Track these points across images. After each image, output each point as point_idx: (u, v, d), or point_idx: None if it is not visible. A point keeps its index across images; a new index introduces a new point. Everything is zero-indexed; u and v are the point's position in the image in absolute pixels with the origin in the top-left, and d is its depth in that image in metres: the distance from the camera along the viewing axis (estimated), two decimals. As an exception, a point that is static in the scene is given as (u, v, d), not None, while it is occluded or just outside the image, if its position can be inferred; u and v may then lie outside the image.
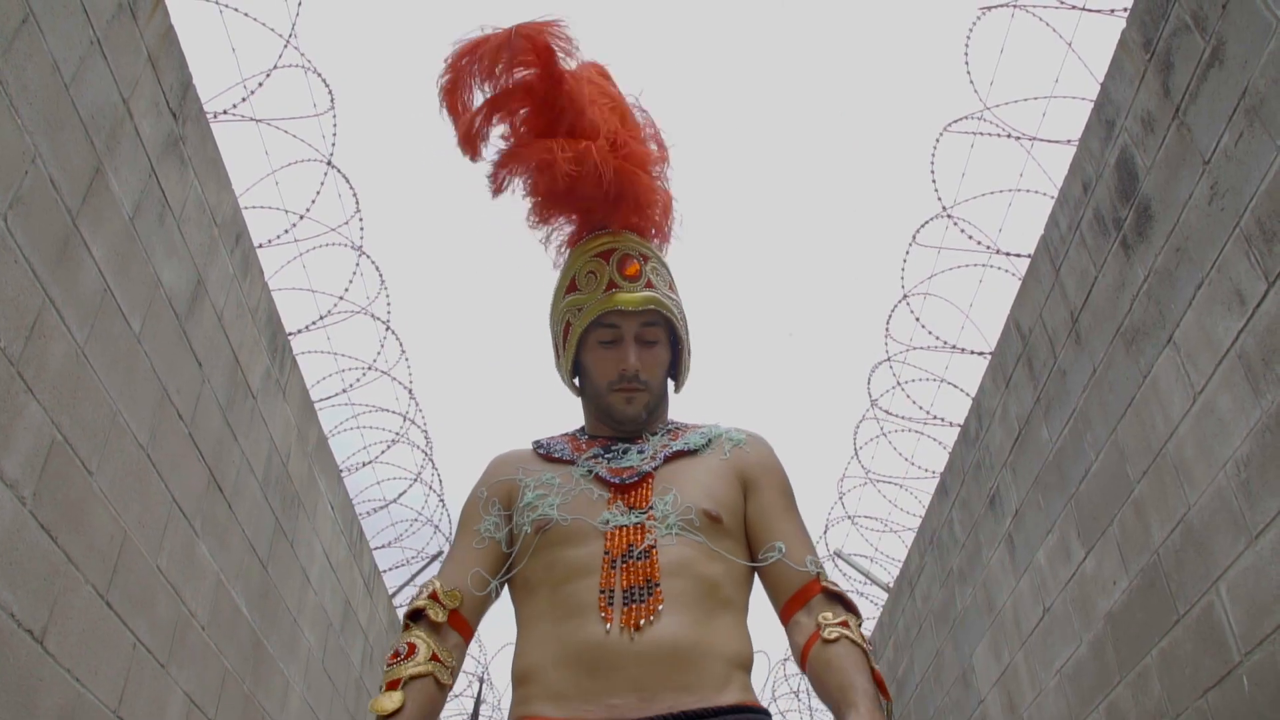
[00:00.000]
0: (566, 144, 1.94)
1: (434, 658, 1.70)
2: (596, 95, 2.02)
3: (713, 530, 1.77)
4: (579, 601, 1.69)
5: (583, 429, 2.07)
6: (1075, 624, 5.06)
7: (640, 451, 1.92)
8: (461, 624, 1.78)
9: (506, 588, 1.86)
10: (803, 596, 1.76)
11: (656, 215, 2.07)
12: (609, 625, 1.63)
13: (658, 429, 2.00)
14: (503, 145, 2.01)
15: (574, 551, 1.74)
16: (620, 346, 1.94)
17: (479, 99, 1.97)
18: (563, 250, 2.11)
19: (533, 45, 1.91)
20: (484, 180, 2.04)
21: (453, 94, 1.96)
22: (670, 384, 2.09)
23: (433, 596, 1.76)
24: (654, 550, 1.71)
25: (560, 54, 1.93)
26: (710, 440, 1.95)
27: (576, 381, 2.07)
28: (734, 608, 1.75)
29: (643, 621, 1.62)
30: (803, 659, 1.71)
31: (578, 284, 1.98)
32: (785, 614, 1.78)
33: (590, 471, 1.87)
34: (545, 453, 1.97)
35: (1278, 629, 3.39)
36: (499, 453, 2.03)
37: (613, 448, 1.94)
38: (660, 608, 1.64)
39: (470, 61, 1.94)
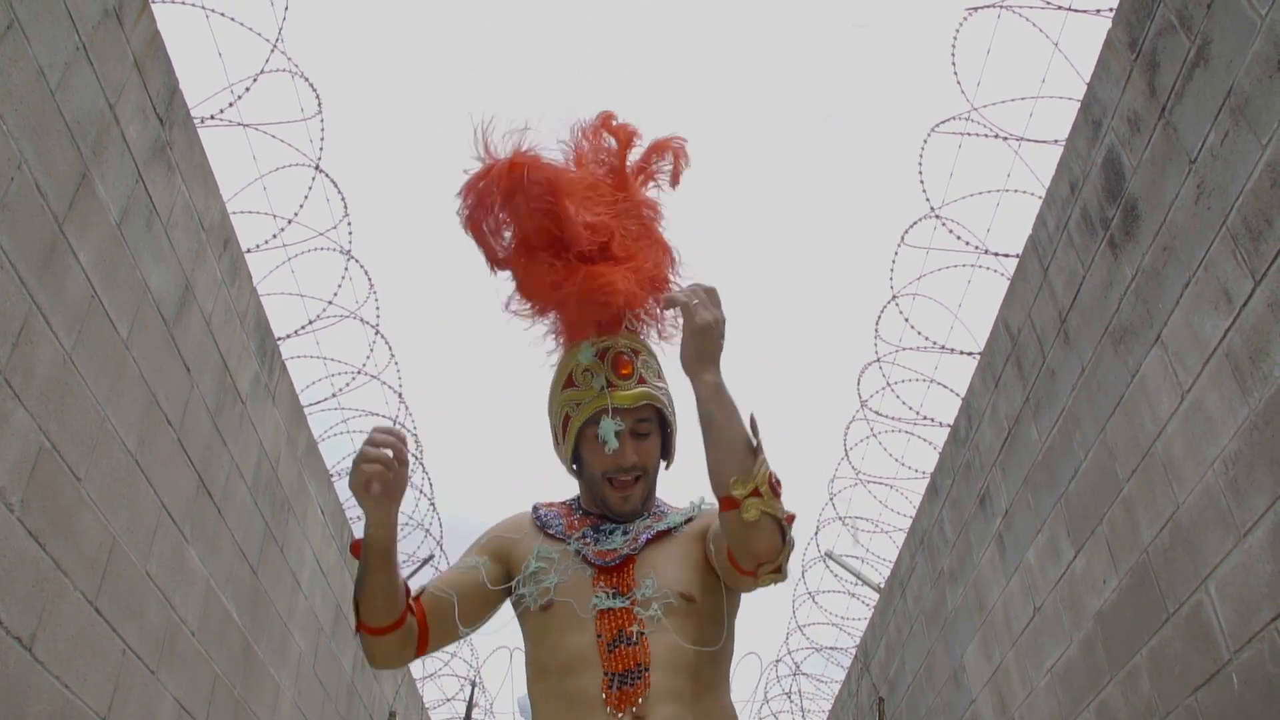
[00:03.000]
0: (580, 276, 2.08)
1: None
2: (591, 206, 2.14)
3: (687, 611, 1.94)
4: (584, 694, 1.86)
5: (578, 500, 2.23)
6: (1065, 623, 5.07)
7: (625, 533, 2.07)
8: (419, 612, 1.99)
9: (524, 658, 2.05)
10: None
11: (652, 321, 2.24)
12: (611, 711, 1.82)
13: (644, 512, 2.16)
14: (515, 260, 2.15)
15: (573, 638, 1.92)
16: (619, 443, 2.06)
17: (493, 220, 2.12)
18: (557, 340, 2.24)
19: (540, 188, 2.04)
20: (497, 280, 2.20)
21: (475, 222, 2.10)
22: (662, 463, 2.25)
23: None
24: (645, 637, 1.89)
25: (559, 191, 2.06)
26: (691, 517, 2.12)
27: (575, 467, 2.22)
28: (716, 689, 1.94)
29: (634, 707, 1.81)
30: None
31: (575, 380, 2.12)
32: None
33: (578, 552, 2.05)
34: (542, 525, 2.15)
35: (1267, 627, 3.40)
36: (510, 516, 2.23)
37: (601, 528, 2.10)
38: (648, 691, 1.82)
39: (483, 195, 2.06)
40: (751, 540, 1.78)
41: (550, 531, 2.12)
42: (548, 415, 2.22)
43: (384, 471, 1.82)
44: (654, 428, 2.12)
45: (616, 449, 2.03)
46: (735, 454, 1.79)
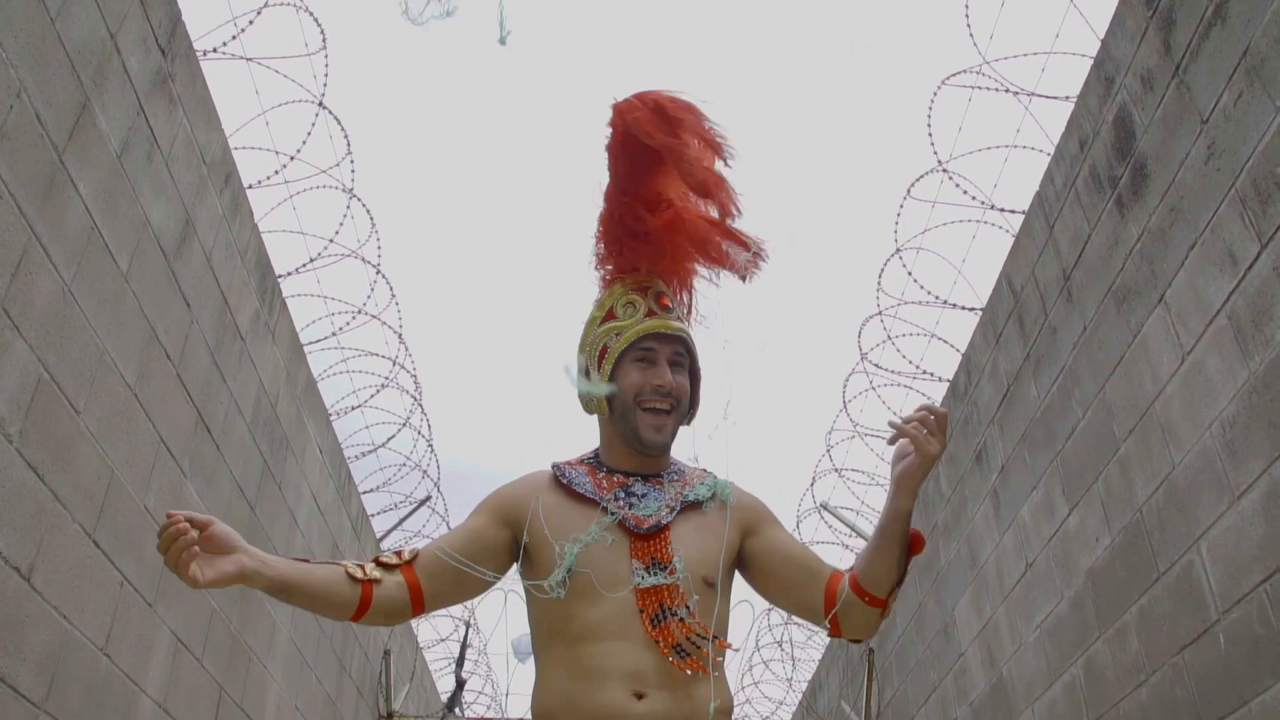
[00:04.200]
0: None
1: (360, 568, 1.93)
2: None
3: (705, 594, 1.97)
4: (599, 666, 1.88)
5: (596, 455, 2.20)
6: (1057, 580, 5.11)
7: (657, 497, 2.07)
8: (409, 572, 1.97)
9: (528, 624, 2.07)
10: (835, 580, 2.05)
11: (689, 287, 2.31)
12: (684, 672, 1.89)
13: (669, 466, 2.16)
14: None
15: (595, 610, 1.93)
16: (655, 367, 2.11)
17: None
18: (597, 271, 2.29)
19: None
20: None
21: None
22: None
23: (397, 553, 2.00)
24: (691, 609, 1.93)
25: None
26: (714, 493, 2.12)
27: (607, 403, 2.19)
28: (718, 666, 1.96)
29: (692, 671, 1.88)
30: (850, 583, 2.02)
31: (615, 313, 2.17)
32: (826, 607, 2.03)
33: (613, 516, 2.02)
34: (566, 482, 2.10)
35: (1256, 589, 3.42)
36: (524, 475, 2.19)
37: (632, 488, 2.08)
38: (716, 658, 1.91)
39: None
40: (878, 622, 2.05)
41: (578, 491, 2.07)
42: (579, 355, 2.21)
43: (185, 544, 1.69)
44: (686, 368, 2.16)
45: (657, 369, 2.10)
46: (897, 569, 1.99)
